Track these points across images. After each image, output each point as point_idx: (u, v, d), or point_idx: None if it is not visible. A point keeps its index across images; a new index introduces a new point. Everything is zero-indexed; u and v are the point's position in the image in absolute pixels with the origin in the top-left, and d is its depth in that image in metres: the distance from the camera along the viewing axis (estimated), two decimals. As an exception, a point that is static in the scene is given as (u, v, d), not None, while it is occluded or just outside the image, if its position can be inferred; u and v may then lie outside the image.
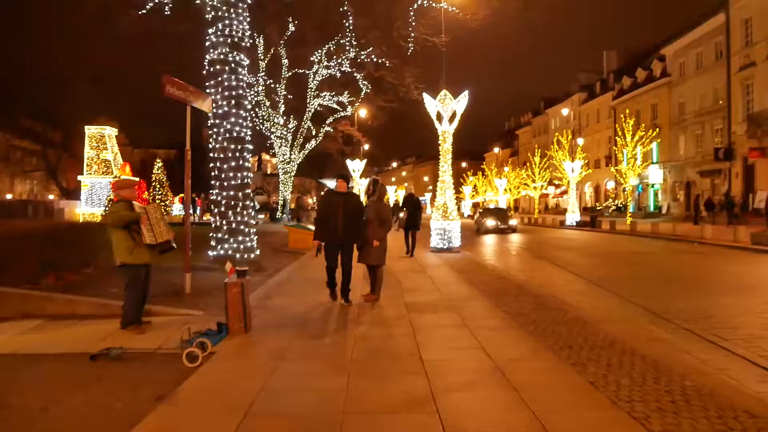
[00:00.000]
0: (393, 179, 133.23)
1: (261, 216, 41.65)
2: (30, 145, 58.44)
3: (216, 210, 12.12)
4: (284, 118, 32.73)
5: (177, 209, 43.12)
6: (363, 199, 8.93)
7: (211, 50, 11.95)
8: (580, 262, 15.62)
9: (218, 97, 11.95)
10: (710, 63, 40.67)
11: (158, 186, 39.36)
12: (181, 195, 46.63)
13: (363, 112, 39.62)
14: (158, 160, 40.49)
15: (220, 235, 12.01)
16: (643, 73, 51.76)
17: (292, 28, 27.93)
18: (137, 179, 43.48)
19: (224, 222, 11.95)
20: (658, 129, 42.57)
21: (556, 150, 48.92)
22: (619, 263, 15.78)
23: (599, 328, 6.75)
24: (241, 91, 12.09)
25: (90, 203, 41.10)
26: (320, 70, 31.94)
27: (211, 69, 12.01)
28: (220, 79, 11.95)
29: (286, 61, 31.44)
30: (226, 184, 11.95)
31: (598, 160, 59.90)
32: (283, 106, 32.59)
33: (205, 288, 9.70)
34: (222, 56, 11.88)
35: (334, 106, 34.36)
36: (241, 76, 12.14)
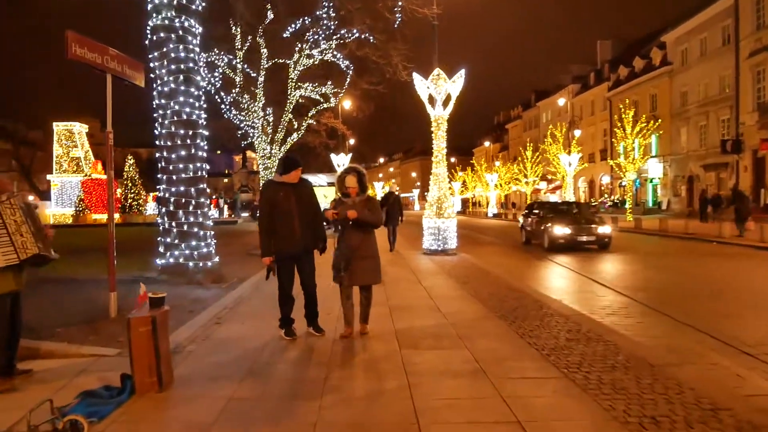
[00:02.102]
0: (380, 175, 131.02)
1: (245, 214, 39.43)
2: (2, 144, 55.53)
3: (164, 209, 9.93)
4: (264, 111, 30.43)
5: (151, 208, 40.74)
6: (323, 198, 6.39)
7: (154, 15, 9.72)
8: (596, 268, 13.59)
9: (163, 71, 9.75)
10: (716, 49, 38.71)
11: (130, 184, 37.00)
12: (155, 193, 44.25)
13: (347, 104, 37.43)
14: (130, 157, 38.06)
15: (169, 239, 9.83)
16: (641, 61, 49.88)
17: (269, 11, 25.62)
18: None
19: (173, 224, 9.77)
20: (660, 120, 40.79)
21: (549, 143, 47.02)
22: (644, 268, 13.72)
23: (676, 377, 4.67)
24: (191, 65, 9.88)
25: (60, 203, 38.73)
26: (302, 59, 29.65)
27: (154, 37, 9.79)
28: (165, 49, 9.74)
29: (265, 50, 29.13)
30: (174, 177, 9.76)
31: (592, 154, 58.08)
32: (263, 97, 30.27)
33: (139, 310, 7.55)
34: (167, 21, 9.67)
35: (317, 97, 32.08)
36: (191, 47, 9.93)
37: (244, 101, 26.22)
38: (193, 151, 9.84)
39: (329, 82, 31.13)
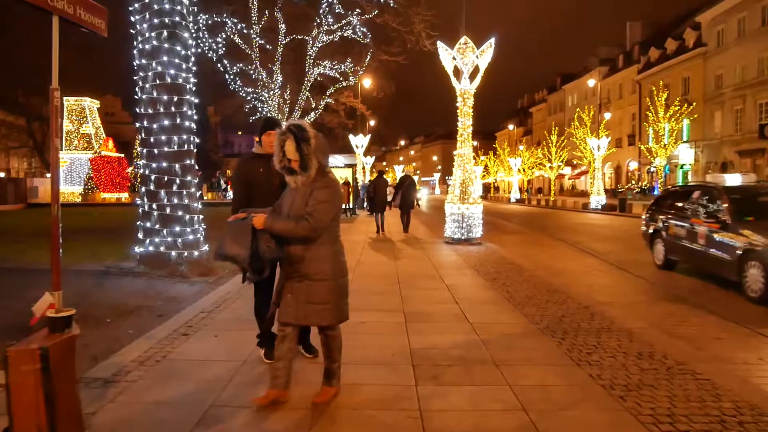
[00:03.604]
0: (401, 158, 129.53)
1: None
2: (16, 119, 54.52)
3: (144, 189, 8.54)
4: (281, 89, 28.93)
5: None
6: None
7: (134, -43, 8.28)
8: (641, 259, 11.96)
9: (144, 26, 8.30)
10: (755, 29, 36.46)
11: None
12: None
13: (367, 83, 35.82)
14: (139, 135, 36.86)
15: (149, 224, 8.45)
16: (673, 43, 47.48)
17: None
18: (121, 155, 40.18)
19: (154, 206, 8.37)
20: (694, 104, 38.60)
21: (576, 127, 45.03)
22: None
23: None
24: (177, 18, 8.41)
25: (69, 181, 37.74)
26: (320, 35, 28.11)
27: (134, -15, 8.35)
28: (146, 0, 8.28)
29: (283, 26, 27.58)
30: (156, 151, 8.35)
31: (619, 139, 55.82)
32: (280, 74, 28.78)
33: (100, 310, 6.23)
34: (148, -35, 8.20)
35: (336, 75, 30.53)
36: (178, -3, 8.47)
37: (257, 75, 24.81)
38: (178, 120, 8.41)
39: (348, 60, 29.60)
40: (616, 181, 58.79)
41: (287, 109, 31.37)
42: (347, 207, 26.14)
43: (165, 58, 8.24)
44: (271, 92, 25.94)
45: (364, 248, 13.11)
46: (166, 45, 8.24)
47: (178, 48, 8.37)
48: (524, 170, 63.25)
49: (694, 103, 39.10)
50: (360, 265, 10.20)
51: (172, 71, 8.28)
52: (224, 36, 19.82)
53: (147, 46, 8.26)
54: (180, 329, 5.55)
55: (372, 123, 48.63)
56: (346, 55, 30.13)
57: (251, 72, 21.24)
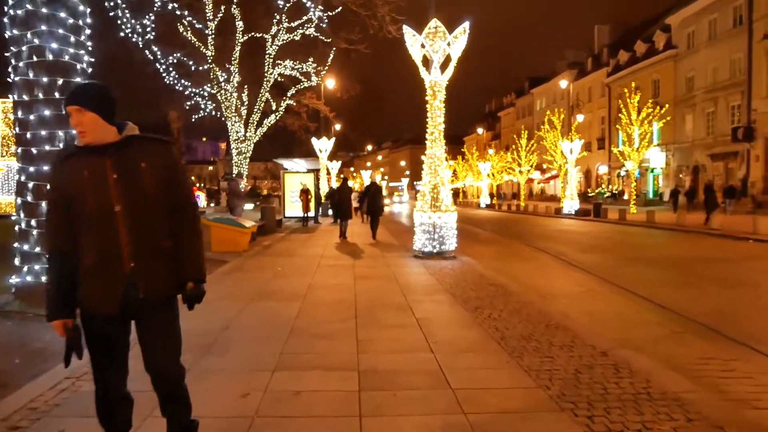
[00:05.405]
0: (369, 164, 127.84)
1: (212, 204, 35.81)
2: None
3: (20, 200, 6.55)
4: (238, 89, 26.89)
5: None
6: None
7: None
8: (653, 277, 10.37)
9: (17, -15, 6.33)
10: (726, 31, 35.86)
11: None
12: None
13: (331, 84, 34.03)
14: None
15: (27, 246, 6.44)
16: (643, 45, 46.91)
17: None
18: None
19: (33, 222, 6.38)
20: (667, 106, 37.75)
21: (546, 130, 43.91)
22: (714, 283, 10.56)
23: None
24: (62, -24, 6.48)
25: (7, 190, 34.81)
26: (280, 33, 26.29)
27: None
28: (20, -50, 6.32)
29: (240, 23, 25.60)
30: (35, 151, 6.36)
31: (589, 143, 54.99)
32: (237, 75, 26.77)
33: None
34: None
35: (297, 75, 28.70)
36: (64, -51, 6.51)
37: (211, 71, 22.77)
38: (64, 110, 6.42)
39: (310, 59, 27.93)
40: (585, 185, 58.06)
41: (245, 111, 29.37)
42: (306, 216, 24.22)
43: (43, 28, 6.27)
44: (220, 89, 23.90)
45: (319, 265, 11.25)
46: (44, 10, 6.27)
47: (63, 15, 6.39)
48: (493, 175, 62.08)
49: (667, 105, 38.26)
50: (311, 291, 8.33)
51: (53, 45, 6.31)
52: (152, 18, 17.61)
53: (19, 12, 6.27)
54: (14, 417, 3.61)
55: (337, 127, 46.74)
56: (308, 54, 28.40)
57: (191, 63, 19.09)
